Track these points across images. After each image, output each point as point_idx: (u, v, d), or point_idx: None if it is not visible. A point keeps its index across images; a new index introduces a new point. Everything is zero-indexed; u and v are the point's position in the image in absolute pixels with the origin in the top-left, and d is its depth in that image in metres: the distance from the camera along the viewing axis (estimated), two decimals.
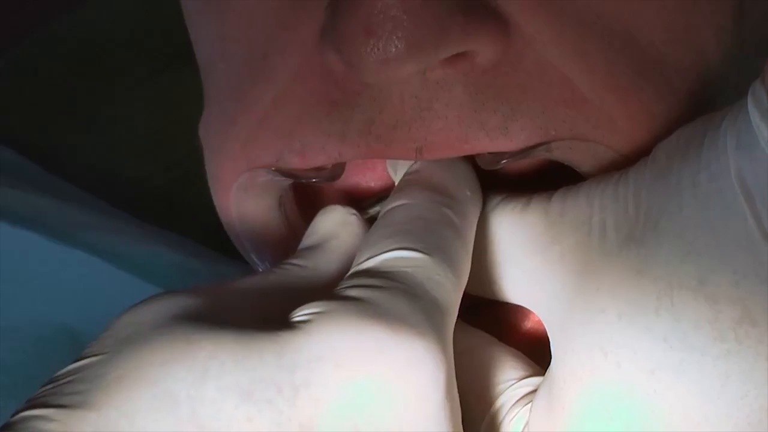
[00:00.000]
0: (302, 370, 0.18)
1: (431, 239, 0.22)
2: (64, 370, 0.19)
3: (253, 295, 0.23)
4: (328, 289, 0.22)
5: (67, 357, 0.20)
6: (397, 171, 0.27)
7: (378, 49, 0.21)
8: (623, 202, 0.22)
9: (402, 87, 0.23)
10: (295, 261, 0.25)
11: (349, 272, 0.22)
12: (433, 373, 0.19)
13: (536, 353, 0.26)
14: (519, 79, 0.23)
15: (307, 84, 0.24)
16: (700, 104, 0.25)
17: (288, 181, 0.27)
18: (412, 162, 0.26)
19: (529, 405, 0.24)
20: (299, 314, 0.20)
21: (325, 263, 0.25)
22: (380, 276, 0.21)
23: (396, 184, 0.27)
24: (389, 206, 0.24)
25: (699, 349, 0.19)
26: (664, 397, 0.20)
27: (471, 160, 0.26)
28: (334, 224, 0.26)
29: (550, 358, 0.24)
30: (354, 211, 0.26)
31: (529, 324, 0.28)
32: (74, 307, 0.36)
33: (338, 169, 0.26)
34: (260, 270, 0.29)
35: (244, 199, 0.28)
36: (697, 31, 0.24)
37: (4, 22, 0.44)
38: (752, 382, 0.19)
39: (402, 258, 0.22)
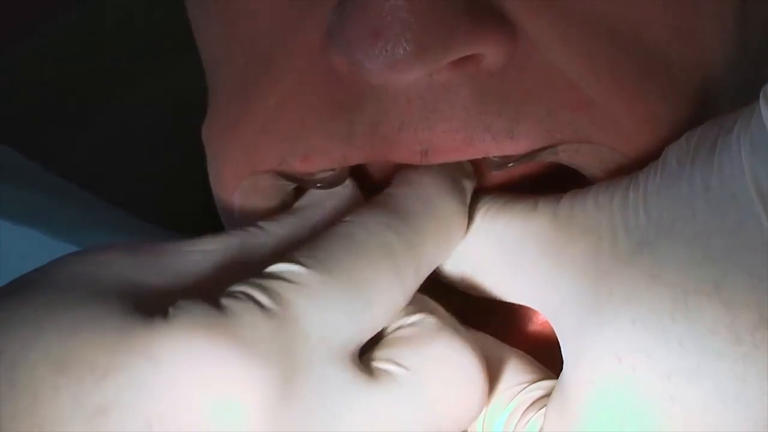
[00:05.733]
0: (121, 356, 0.19)
1: (336, 259, 0.22)
2: None
3: (209, 259, 0.23)
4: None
5: None
6: None
7: (386, 52, 0.21)
8: (634, 207, 0.22)
9: (408, 89, 0.23)
10: (263, 224, 0.25)
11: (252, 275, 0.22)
12: (247, 401, 0.19)
13: (541, 356, 0.26)
14: (525, 82, 0.23)
15: (312, 86, 0.24)
16: (704, 105, 0.25)
17: (291, 185, 0.27)
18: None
19: (543, 410, 0.24)
20: (174, 306, 0.20)
21: (290, 231, 0.25)
22: (264, 286, 0.21)
23: None
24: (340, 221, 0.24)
25: (716, 353, 0.19)
26: (680, 401, 0.20)
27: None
28: (322, 194, 0.26)
29: (556, 361, 0.24)
30: (347, 183, 0.27)
31: (532, 327, 0.29)
32: None
33: (342, 173, 0.26)
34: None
35: (246, 202, 0.28)
36: (702, 32, 0.25)
37: (4, 21, 0.44)
38: None
39: (291, 272, 0.21)
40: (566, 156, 0.24)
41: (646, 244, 0.21)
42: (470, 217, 0.26)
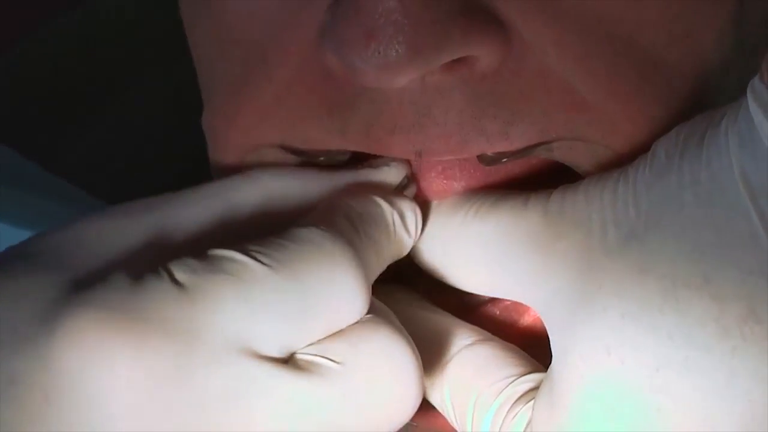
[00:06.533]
0: (33, 328, 0.19)
1: (291, 263, 0.22)
2: None
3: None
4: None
5: None
6: None
7: (378, 54, 0.21)
8: (623, 200, 0.22)
9: (401, 91, 0.23)
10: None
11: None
12: (130, 379, 0.19)
13: (533, 350, 0.26)
14: (519, 84, 0.23)
15: (306, 84, 0.25)
16: (701, 106, 0.25)
17: (295, 160, 0.27)
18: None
19: (531, 403, 0.24)
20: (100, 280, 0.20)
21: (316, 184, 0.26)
22: (194, 267, 0.21)
23: None
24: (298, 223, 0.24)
25: (704, 347, 0.19)
26: (668, 394, 0.20)
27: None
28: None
29: (548, 355, 0.24)
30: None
31: (525, 321, 0.29)
32: None
33: (344, 152, 0.26)
34: None
35: None
36: (698, 35, 0.25)
37: (4, 22, 0.44)
38: (757, 379, 0.19)
39: (233, 260, 0.21)
40: (560, 153, 0.25)
41: (635, 237, 0.21)
42: (461, 215, 0.26)
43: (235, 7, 0.26)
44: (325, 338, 0.22)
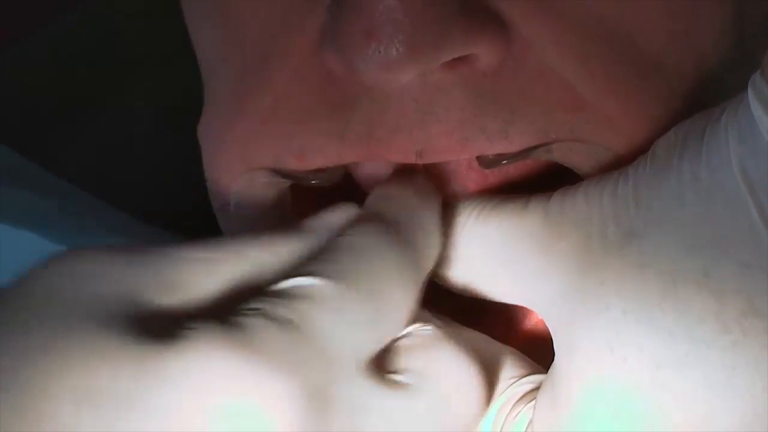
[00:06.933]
0: (141, 384, 0.18)
1: (347, 272, 0.21)
2: None
3: (212, 272, 0.22)
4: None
5: None
6: None
7: (379, 53, 0.21)
8: (623, 199, 0.22)
9: (401, 90, 0.23)
10: (268, 240, 0.23)
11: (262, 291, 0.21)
12: (277, 416, 0.18)
13: (537, 353, 0.26)
14: (519, 83, 0.23)
15: (306, 85, 0.25)
16: (699, 107, 0.25)
17: (287, 183, 0.27)
18: None
19: (532, 403, 0.24)
20: (184, 326, 0.19)
21: (296, 251, 0.23)
22: (278, 302, 0.20)
23: None
24: (337, 236, 0.23)
25: (705, 342, 0.19)
26: (670, 391, 0.20)
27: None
28: (332, 216, 0.25)
29: (550, 359, 0.24)
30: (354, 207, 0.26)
31: (529, 324, 0.29)
32: None
33: (338, 171, 0.26)
34: None
35: (242, 199, 0.28)
36: (698, 35, 0.25)
37: (4, 22, 0.44)
38: (759, 373, 0.19)
39: (304, 286, 0.20)
40: (560, 154, 0.25)
41: (635, 234, 0.21)
42: (463, 219, 0.26)
43: (236, 10, 0.26)
44: (395, 356, 0.22)
